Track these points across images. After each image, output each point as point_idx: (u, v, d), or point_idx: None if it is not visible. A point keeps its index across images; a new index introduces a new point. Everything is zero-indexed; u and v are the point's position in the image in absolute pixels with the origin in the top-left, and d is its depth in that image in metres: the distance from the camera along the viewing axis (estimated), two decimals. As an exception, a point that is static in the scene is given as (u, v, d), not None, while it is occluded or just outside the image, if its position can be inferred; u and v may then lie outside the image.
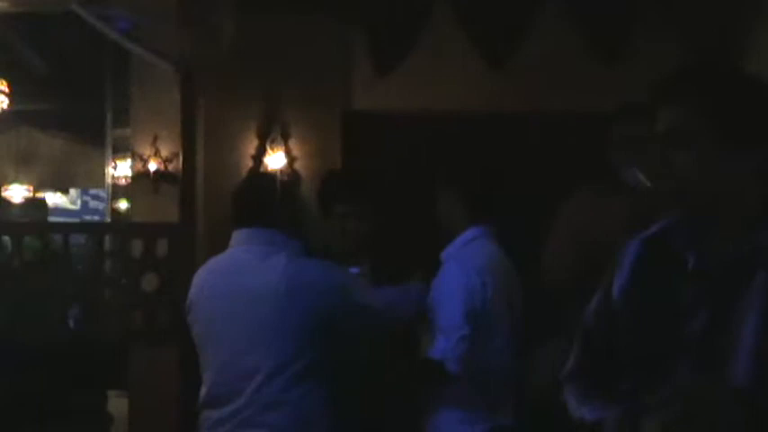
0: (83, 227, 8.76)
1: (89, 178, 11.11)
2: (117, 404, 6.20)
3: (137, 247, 5.87)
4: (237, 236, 3.23)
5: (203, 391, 3.18)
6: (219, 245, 3.40)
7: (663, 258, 2.01)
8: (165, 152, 6.06)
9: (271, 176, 3.61)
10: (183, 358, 5.55)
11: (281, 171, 6.38)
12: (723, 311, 1.88)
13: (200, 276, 3.32)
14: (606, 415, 1.99)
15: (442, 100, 6.31)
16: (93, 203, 11.27)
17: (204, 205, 6.16)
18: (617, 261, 2.11)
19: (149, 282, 5.82)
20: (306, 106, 6.40)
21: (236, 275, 3.14)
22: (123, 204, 10.48)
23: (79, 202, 11.42)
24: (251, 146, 6.44)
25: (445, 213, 3.55)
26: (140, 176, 6.13)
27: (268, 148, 6.43)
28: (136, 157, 6.16)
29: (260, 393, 3.02)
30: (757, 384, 1.80)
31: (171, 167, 6.04)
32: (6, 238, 6.21)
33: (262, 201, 3.23)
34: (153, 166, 6.04)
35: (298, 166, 6.44)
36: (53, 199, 11.57)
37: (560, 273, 3.80)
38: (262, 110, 6.41)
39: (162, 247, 5.83)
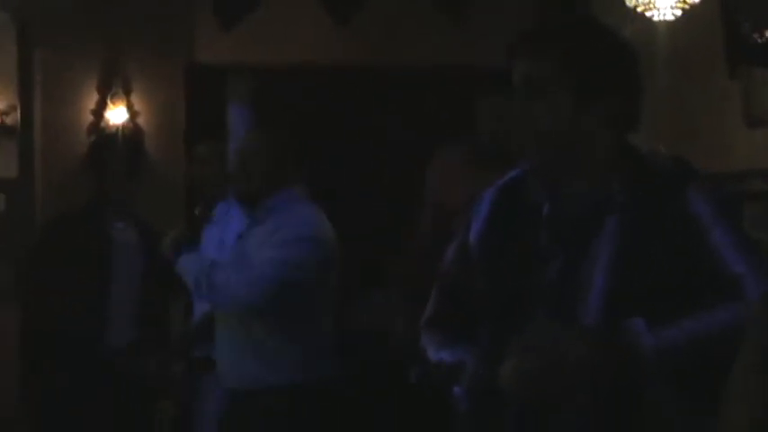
0: None
1: None
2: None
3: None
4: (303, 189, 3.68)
5: None
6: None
7: (518, 205, 2.08)
8: (1, 105, 5.86)
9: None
10: (23, 318, 5.40)
11: (123, 126, 6.25)
12: (576, 257, 1.97)
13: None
14: (465, 358, 2.05)
15: (287, 53, 6.28)
16: None
17: (42, 160, 5.98)
18: (474, 208, 2.17)
19: (-14, 238, 5.64)
20: (148, 59, 6.26)
21: None
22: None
23: None
24: (91, 100, 6.27)
25: None
26: (-26, 131, 5.91)
27: (109, 102, 6.27)
28: (-31, 110, 5.93)
29: None
30: (607, 325, 1.90)
31: (8, 121, 5.83)
32: None
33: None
34: (-11, 119, 5.83)
35: (140, 120, 6.31)
36: None
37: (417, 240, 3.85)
38: (102, 63, 6.24)
39: (-1, 202, 5.65)
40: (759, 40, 3.23)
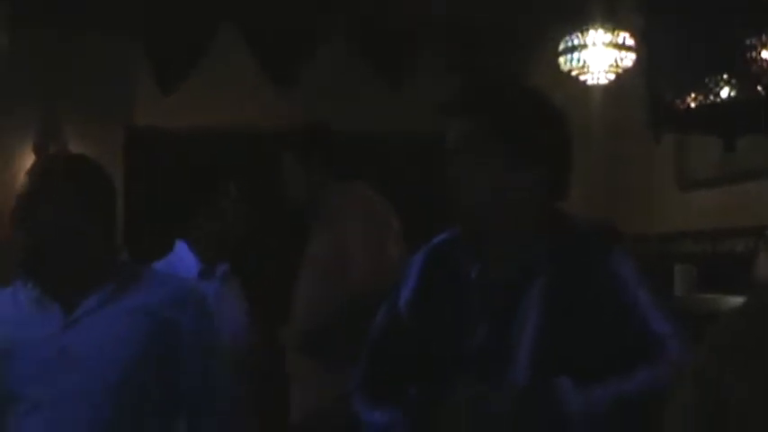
0: None
1: None
2: None
3: None
4: None
5: None
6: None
7: (447, 270, 2.08)
8: (-66, 167, 5.79)
9: None
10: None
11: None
12: (504, 320, 1.97)
13: None
14: (396, 418, 2.05)
15: (226, 117, 6.29)
16: None
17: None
18: (403, 273, 2.17)
19: None
20: (86, 122, 6.22)
21: None
22: None
23: None
24: (27, 162, 6.21)
25: None
26: None
27: (45, 164, 6.21)
28: None
29: None
30: (534, 385, 1.90)
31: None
32: None
33: None
34: None
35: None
36: None
37: None
38: (39, 126, 6.19)
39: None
40: (681, 107, 3.31)
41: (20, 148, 6.18)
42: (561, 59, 4.91)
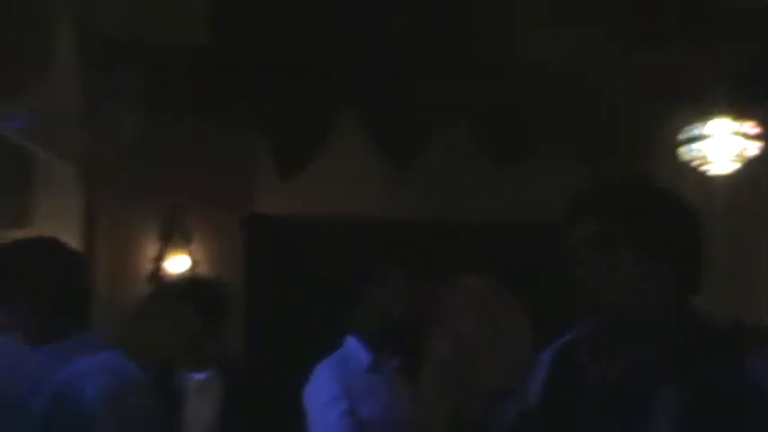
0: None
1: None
2: None
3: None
4: None
5: None
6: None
7: (574, 371, 2.05)
8: (63, 254, 5.96)
9: None
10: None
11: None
12: (632, 425, 1.93)
13: None
14: None
15: (345, 205, 6.35)
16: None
17: (102, 309, 6.01)
18: (532, 370, 2.15)
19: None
20: (208, 209, 6.37)
21: None
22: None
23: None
24: (152, 248, 6.37)
25: None
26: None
27: (169, 251, 6.37)
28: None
29: None
30: None
31: (70, 270, 5.93)
32: None
33: None
34: (52, 268, 5.91)
35: (200, 269, 6.39)
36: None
37: None
38: (164, 213, 6.36)
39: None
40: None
41: (145, 234, 6.35)
42: (682, 149, 4.85)
